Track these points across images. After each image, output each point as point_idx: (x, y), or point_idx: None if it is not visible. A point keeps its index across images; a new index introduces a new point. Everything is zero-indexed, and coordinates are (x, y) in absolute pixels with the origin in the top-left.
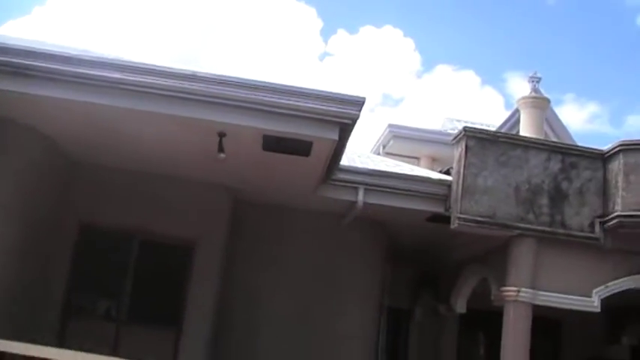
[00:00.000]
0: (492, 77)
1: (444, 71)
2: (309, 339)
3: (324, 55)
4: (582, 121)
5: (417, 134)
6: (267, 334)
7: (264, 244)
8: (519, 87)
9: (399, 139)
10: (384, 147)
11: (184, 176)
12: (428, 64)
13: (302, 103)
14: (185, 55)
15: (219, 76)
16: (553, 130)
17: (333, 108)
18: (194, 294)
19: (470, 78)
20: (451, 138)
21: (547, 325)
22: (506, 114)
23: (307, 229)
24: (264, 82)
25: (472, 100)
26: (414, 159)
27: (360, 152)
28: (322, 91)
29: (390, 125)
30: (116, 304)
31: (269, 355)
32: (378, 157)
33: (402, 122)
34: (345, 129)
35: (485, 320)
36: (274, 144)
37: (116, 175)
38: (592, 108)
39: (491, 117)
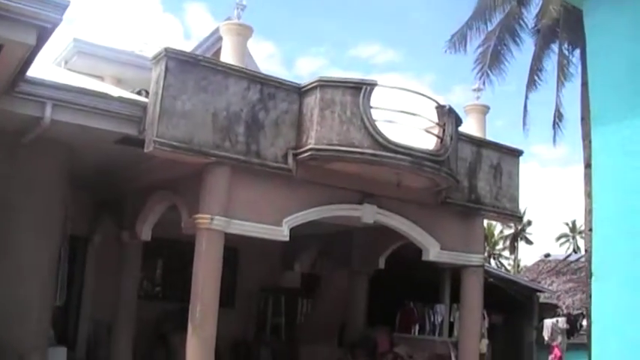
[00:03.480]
0: (173, 5)
1: None
2: None
3: None
4: (258, 59)
5: (104, 52)
6: None
7: None
8: (199, 18)
9: (85, 55)
10: (66, 62)
11: None
12: None
13: None
14: None
15: None
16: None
17: (33, 8)
18: None
19: (152, 3)
20: (139, 59)
21: (225, 252)
22: (187, 43)
23: None
24: None
25: (153, 25)
26: (98, 78)
27: (44, 65)
28: None
29: (76, 40)
30: None
31: None
32: (66, 71)
33: (88, 38)
34: (43, 35)
35: (170, 248)
36: None
37: None
38: (268, 48)
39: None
